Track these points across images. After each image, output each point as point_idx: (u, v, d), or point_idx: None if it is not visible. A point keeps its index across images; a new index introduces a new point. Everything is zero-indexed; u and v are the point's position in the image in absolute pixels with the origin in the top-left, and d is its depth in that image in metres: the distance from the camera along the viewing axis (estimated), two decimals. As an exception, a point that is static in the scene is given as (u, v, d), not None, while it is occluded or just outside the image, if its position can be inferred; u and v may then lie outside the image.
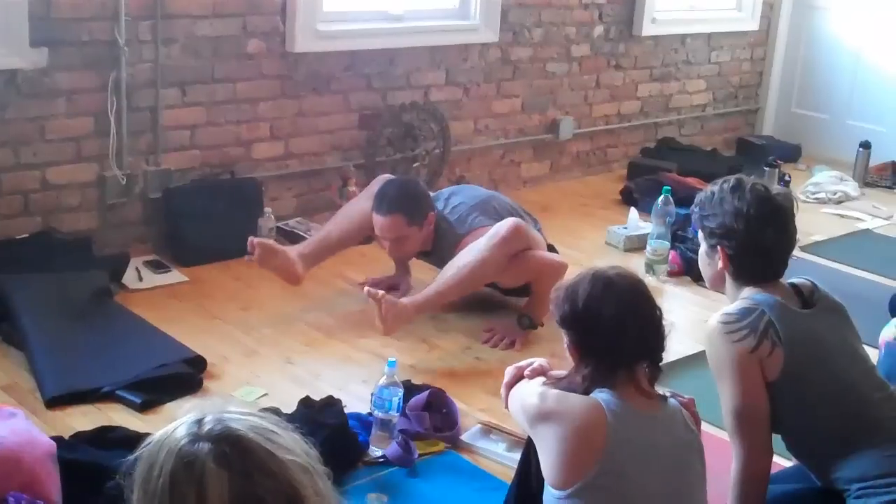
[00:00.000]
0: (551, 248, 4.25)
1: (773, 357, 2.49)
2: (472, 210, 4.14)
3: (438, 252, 4.15)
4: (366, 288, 3.80)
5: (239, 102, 4.81)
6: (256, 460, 1.41)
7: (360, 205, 4.25)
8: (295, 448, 1.47)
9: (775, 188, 2.73)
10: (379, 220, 4.04)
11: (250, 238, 4.09)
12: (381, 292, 3.72)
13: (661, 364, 2.28)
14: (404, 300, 3.82)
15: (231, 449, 1.41)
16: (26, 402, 3.33)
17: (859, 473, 2.45)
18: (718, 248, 2.64)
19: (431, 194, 4.30)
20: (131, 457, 1.45)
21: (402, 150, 5.39)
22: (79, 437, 3.05)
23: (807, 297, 2.62)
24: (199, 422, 1.44)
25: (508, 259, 3.90)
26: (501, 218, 4.06)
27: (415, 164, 5.40)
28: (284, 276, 4.12)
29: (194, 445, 1.41)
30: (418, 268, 4.43)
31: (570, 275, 2.61)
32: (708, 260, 2.71)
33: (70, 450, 2.87)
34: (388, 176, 4.41)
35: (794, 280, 2.66)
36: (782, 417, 2.55)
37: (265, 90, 4.88)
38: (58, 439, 2.89)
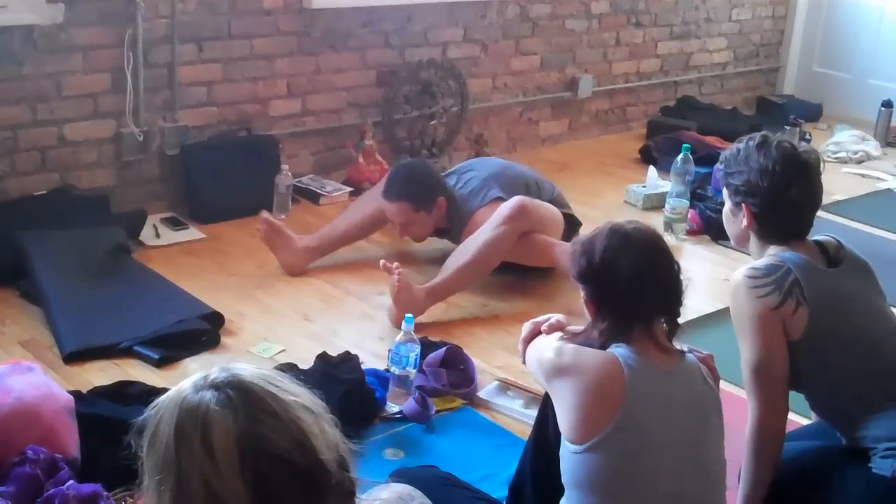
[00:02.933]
0: (569, 217, 4.20)
1: (797, 316, 2.47)
2: (485, 183, 4.12)
3: (455, 228, 4.13)
4: (382, 261, 3.71)
5: (256, 59, 4.78)
6: (260, 401, 1.42)
7: (369, 205, 4.26)
8: (298, 391, 1.48)
9: (801, 145, 2.69)
10: (386, 206, 4.08)
11: (263, 212, 4.11)
12: (396, 265, 3.65)
13: (679, 320, 2.26)
14: (418, 287, 3.73)
15: (234, 392, 1.42)
16: (45, 357, 3.34)
17: (887, 432, 2.43)
18: (743, 205, 2.60)
19: (447, 170, 4.26)
20: (140, 418, 1.46)
21: (419, 107, 5.36)
22: (97, 391, 3.06)
23: (832, 255, 2.59)
24: (205, 376, 1.46)
25: (517, 239, 3.88)
26: (514, 189, 4.06)
27: (432, 122, 5.38)
28: (283, 263, 4.13)
29: (198, 394, 1.43)
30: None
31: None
32: (732, 218, 2.68)
33: (88, 404, 2.88)
34: (404, 161, 4.38)
35: (819, 237, 2.63)
36: (806, 376, 2.53)
37: (282, 46, 4.86)
38: (76, 394, 2.90)
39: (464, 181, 4.18)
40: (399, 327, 3.48)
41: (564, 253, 3.79)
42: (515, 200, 3.92)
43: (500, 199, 4.02)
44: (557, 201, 4.25)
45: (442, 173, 4.27)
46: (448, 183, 4.19)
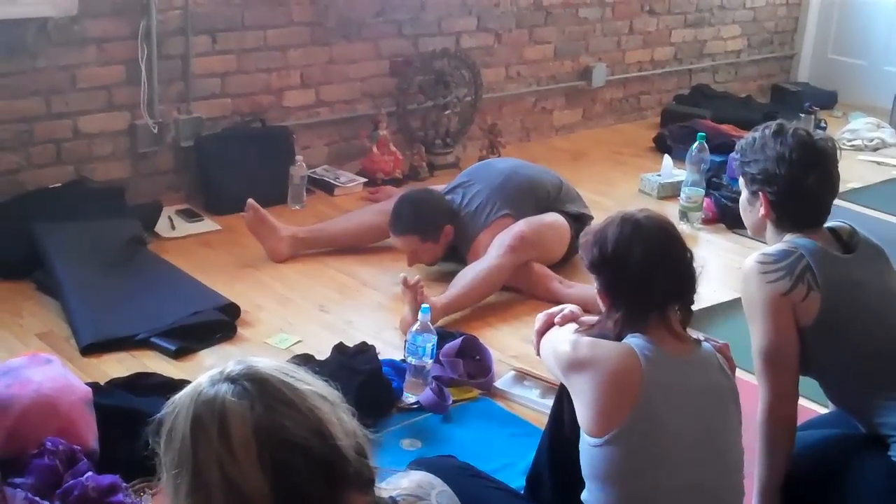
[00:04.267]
0: (579, 216, 4.19)
1: (809, 302, 2.46)
2: (489, 198, 4.10)
3: (462, 248, 4.11)
4: (401, 275, 3.62)
5: (269, 50, 4.79)
6: (276, 391, 1.43)
7: (367, 216, 4.33)
8: (314, 381, 1.49)
9: (818, 133, 2.68)
10: (393, 240, 4.07)
11: (249, 199, 4.15)
12: (417, 279, 3.58)
13: (693, 307, 2.25)
14: (434, 299, 3.66)
15: (250, 384, 1.43)
16: (62, 349, 3.36)
17: None
18: (760, 194, 2.59)
19: (451, 185, 4.25)
20: (157, 415, 1.47)
21: (433, 97, 5.35)
22: (114, 383, 3.07)
23: (846, 241, 2.58)
24: (221, 370, 1.48)
25: (517, 267, 3.89)
26: (520, 198, 4.08)
27: (446, 112, 5.37)
28: (268, 250, 4.17)
29: (214, 387, 1.44)
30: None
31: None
32: (749, 207, 2.67)
33: (106, 395, 2.89)
34: (408, 191, 4.35)
35: (832, 224, 2.62)
36: (820, 363, 2.53)
37: (295, 37, 4.86)
38: (94, 385, 2.91)
39: (469, 197, 4.15)
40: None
41: (561, 288, 3.88)
42: (517, 232, 3.92)
43: (506, 217, 4.03)
44: (566, 197, 4.24)
45: (445, 191, 4.23)
46: (454, 200, 4.16)
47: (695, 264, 2.23)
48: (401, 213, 4.03)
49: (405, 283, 3.54)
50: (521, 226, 3.98)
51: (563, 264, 4.11)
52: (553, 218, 4.10)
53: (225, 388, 1.43)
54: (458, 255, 4.12)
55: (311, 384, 1.48)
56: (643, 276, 2.17)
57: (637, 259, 2.17)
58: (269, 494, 1.38)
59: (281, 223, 4.21)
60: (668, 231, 2.23)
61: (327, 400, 1.47)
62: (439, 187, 4.38)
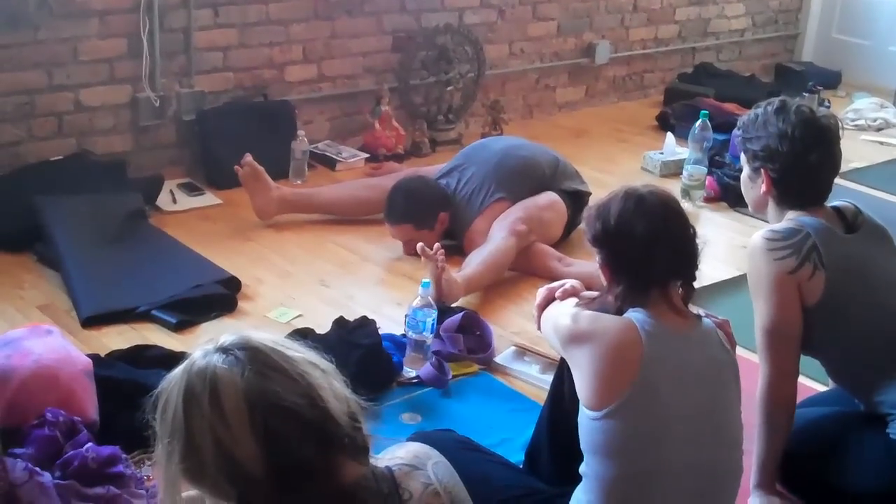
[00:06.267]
0: (575, 193, 4.19)
1: (814, 281, 2.46)
2: (484, 183, 4.09)
3: (458, 232, 4.10)
4: (419, 245, 3.54)
5: (271, 24, 4.77)
6: (266, 358, 1.45)
7: (359, 190, 4.37)
8: (306, 351, 1.51)
9: (820, 110, 2.68)
10: (388, 228, 4.06)
11: (247, 154, 4.18)
12: (437, 246, 3.54)
13: (694, 284, 2.25)
14: (457, 276, 3.63)
15: (241, 352, 1.45)
16: (62, 321, 3.35)
17: None
18: (762, 171, 2.59)
19: (446, 169, 4.24)
20: (153, 392, 1.49)
21: (435, 73, 5.33)
22: (115, 355, 3.08)
23: (850, 220, 2.58)
24: (214, 342, 1.50)
25: (520, 250, 3.89)
26: (516, 180, 4.08)
27: (448, 88, 5.35)
28: (256, 206, 4.20)
29: (206, 358, 1.46)
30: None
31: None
32: (751, 184, 2.67)
33: (106, 367, 2.89)
34: (406, 174, 4.34)
35: (837, 203, 2.62)
36: (823, 341, 2.53)
37: (298, 11, 4.84)
38: (94, 357, 2.91)
39: (464, 181, 4.14)
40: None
41: (559, 266, 3.87)
42: (515, 218, 3.92)
43: (500, 200, 4.03)
44: (562, 175, 4.23)
45: (440, 175, 4.22)
46: (449, 185, 4.15)
47: (697, 241, 2.23)
48: (394, 203, 4.02)
49: (424, 252, 3.49)
50: (518, 211, 3.97)
51: (561, 241, 4.11)
52: (548, 198, 4.09)
53: (216, 358, 1.45)
54: (454, 237, 4.12)
55: (302, 353, 1.50)
56: (645, 250, 2.16)
57: (639, 234, 2.16)
58: (260, 459, 1.39)
59: (275, 183, 4.24)
60: (671, 207, 2.22)
61: (318, 367, 1.49)
62: (435, 168, 4.37)
